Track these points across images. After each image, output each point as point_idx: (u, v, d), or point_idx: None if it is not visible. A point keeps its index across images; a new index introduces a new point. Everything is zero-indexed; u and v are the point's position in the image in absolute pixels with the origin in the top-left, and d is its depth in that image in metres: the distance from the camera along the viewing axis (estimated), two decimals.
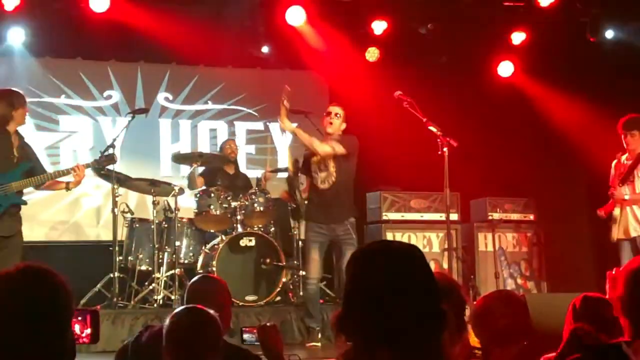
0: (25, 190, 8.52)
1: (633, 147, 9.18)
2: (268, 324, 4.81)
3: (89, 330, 4.08)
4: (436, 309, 2.38)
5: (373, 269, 2.42)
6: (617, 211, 9.17)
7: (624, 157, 9.35)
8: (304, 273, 9.91)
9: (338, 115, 9.05)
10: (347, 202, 9.13)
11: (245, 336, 4.99)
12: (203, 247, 10.04)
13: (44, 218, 11.29)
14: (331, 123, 9.04)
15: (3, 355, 2.37)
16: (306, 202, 9.35)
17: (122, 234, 10.08)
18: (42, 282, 2.45)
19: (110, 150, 9.13)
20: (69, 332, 2.51)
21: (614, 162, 9.51)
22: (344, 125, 9.09)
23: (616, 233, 9.22)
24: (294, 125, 9.27)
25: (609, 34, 11.42)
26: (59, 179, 8.49)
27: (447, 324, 2.42)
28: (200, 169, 10.65)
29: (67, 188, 8.56)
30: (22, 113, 8.34)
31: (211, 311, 3.98)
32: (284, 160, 12.04)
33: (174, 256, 9.92)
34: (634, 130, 9.14)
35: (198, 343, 3.84)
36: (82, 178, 8.50)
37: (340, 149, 8.93)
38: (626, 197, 9.10)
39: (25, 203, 8.37)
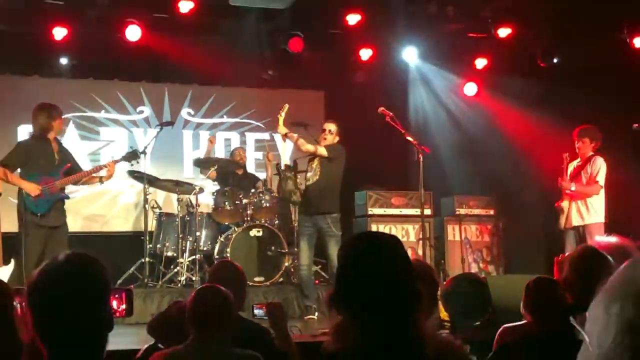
0: (71, 189, 8.55)
1: (583, 151, 9.24)
2: (275, 302, 4.84)
3: (124, 306, 4.08)
4: (413, 289, 2.38)
5: (360, 255, 2.43)
6: (565, 204, 9.20)
7: (575, 162, 9.34)
8: None
9: (331, 132, 9.17)
10: (328, 198, 9.13)
11: (256, 311, 5.00)
12: (219, 237, 10.04)
13: (87, 212, 11.27)
14: (325, 138, 9.19)
15: (54, 326, 2.37)
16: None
17: (152, 225, 10.09)
18: (85, 266, 2.45)
19: (144, 159, 9.22)
20: (108, 307, 2.52)
21: (569, 165, 9.46)
22: (336, 139, 9.14)
23: (563, 223, 9.24)
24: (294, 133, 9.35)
25: (556, 59, 11.44)
26: (94, 174, 8.52)
27: (421, 301, 2.42)
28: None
29: (101, 181, 8.60)
30: (59, 123, 8.40)
31: (225, 290, 4.00)
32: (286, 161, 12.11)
33: (195, 244, 9.94)
34: (585, 138, 9.19)
35: (214, 315, 3.85)
36: (113, 173, 8.55)
37: (322, 151, 9.05)
38: (572, 188, 9.11)
39: (68, 198, 8.47)
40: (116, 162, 8.68)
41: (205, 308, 3.87)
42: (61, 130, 8.52)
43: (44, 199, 8.06)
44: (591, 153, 9.20)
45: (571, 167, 9.38)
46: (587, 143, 9.20)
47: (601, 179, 9.08)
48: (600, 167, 9.10)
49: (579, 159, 9.33)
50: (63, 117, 8.65)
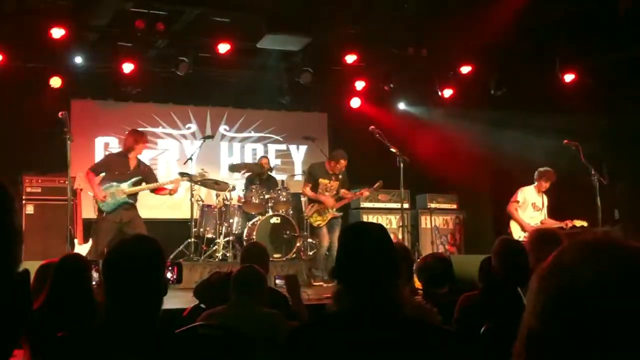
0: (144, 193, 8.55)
1: (545, 187, 8.99)
2: (291, 274, 4.87)
3: (175, 276, 4.12)
4: (395, 265, 2.39)
5: (355, 239, 2.43)
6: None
7: (534, 192, 9.08)
8: (310, 240, 9.99)
9: (343, 169, 9.14)
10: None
11: (277, 281, 5.03)
12: (247, 223, 10.04)
13: (149, 204, 11.23)
14: (341, 170, 9.14)
15: (122, 292, 2.38)
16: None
17: (196, 214, 10.08)
18: (146, 246, 2.46)
19: (191, 164, 9.24)
20: (164, 275, 2.53)
21: (528, 191, 9.11)
22: None
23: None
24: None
25: (504, 90, 11.44)
26: (165, 186, 8.52)
27: (400, 274, 2.43)
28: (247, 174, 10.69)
29: (170, 194, 8.60)
30: (141, 147, 8.42)
31: (261, 269, 4.04)
32: (298, 169, 12.15)
33: (229, 228, 9.94)
34: (549, 179, 8.93)
35: (252, 286, 3.87)
36: (178, 188, 8.54)
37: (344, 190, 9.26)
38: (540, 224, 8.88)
39: (134, 201, 8.37)
40: (182, 179, 8.70)
41: (245, 280, 3.90)
42: (141, 153, 8.51)
43: (109, 202, 8.07)
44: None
45: (531, 198, 9.04)
46: (546, 184, 8.97)
47: None
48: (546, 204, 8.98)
49: (536, 192, 9.07)
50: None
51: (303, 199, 10.25)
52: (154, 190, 8.53)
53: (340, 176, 9.22)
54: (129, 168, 8.30)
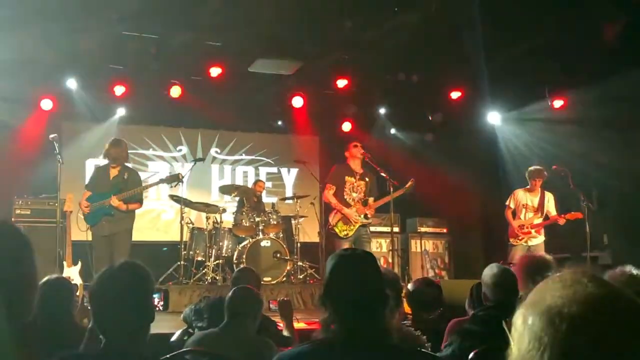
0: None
1: (536, 187, 8.85)
2: (285, 299, 4.86)
3: (162, 302, 4.10)
4: (383, 294, 2.38)
5: (342, 267, 2.42)
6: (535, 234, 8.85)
7: (526, 194, 8.95)
8: (300, 264, 9.94)
9: (361, 155, 8.57)
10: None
11: (271, 306, 5.04)
12: (237, 246, 10.00)
13: (138, 226, 11.20)
14: (361, 157, 8.54)
15: (109, 319, 2.37)
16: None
17: (186, 236, 10.03)
18: (134, 273, 2.45)
19: (181, 187, 9.05)
20: (151, 303, 2.52)
21: (518, 194, 8.99)
22: None
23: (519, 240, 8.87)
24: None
25: (491, 116, 11.50)
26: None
27: (389, 302, 2.42)
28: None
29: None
30: (117, 153, 7.95)
31: (257, 291, 3.99)
32: (289, 192, 12.14)
33: (219, 251, 9.89)
34: (538, 177, 8.80)
35: (247, 308, 3.83)
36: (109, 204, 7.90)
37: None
38: (536, 222, 8.84)
39: (111, 214, 7.82)
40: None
41: (240, 302, 3.84)
42: (121, 159, 8.03)
43: (90, 214, 7.93)
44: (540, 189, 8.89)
45: (522, 199, 8.93)
46: (538, 181, 8.84)
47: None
48: (553, 201, 8.94)
49: (528, 193, 8.94)
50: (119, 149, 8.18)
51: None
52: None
53: (367, 178, 8.61)
54: (108, 178, 8.07)
